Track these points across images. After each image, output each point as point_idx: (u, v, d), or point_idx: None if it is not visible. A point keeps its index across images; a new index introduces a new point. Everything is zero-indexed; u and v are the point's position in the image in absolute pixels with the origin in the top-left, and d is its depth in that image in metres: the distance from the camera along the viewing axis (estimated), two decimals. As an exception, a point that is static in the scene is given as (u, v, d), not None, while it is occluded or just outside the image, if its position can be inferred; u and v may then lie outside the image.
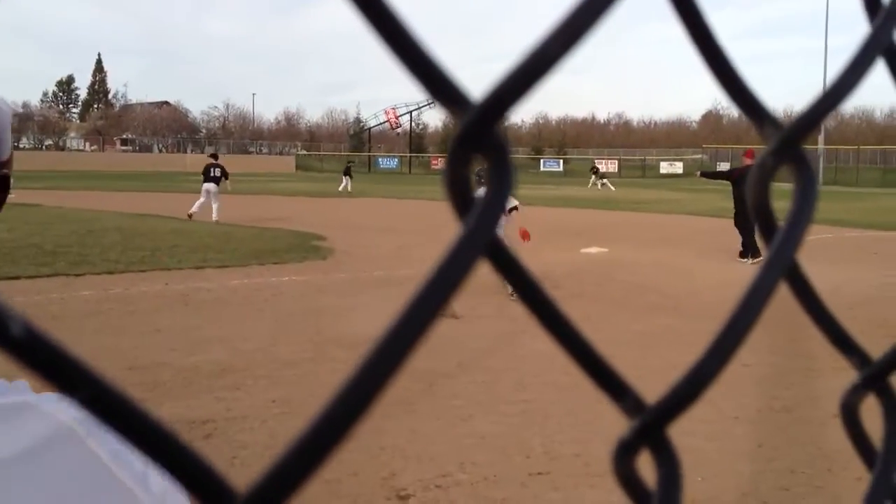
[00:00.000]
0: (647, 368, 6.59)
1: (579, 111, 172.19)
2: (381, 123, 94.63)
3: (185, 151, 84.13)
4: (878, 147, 77.80)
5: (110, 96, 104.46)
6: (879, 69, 0.33)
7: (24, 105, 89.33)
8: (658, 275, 12.64)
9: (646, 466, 0.28)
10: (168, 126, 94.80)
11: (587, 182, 55.38)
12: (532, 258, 12.83)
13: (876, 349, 0.39)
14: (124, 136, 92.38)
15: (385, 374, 0.19)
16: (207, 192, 20.91)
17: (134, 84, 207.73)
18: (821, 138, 60.36)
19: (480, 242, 0.20)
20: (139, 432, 0.18)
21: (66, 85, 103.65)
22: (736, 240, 14.62)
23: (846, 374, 0.33)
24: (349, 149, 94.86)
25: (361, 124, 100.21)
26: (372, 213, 25.12)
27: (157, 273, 11.90)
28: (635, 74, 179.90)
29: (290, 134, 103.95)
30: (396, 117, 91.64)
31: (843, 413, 0.34)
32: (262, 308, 9.52)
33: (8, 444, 0.69)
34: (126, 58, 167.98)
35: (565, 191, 43.27)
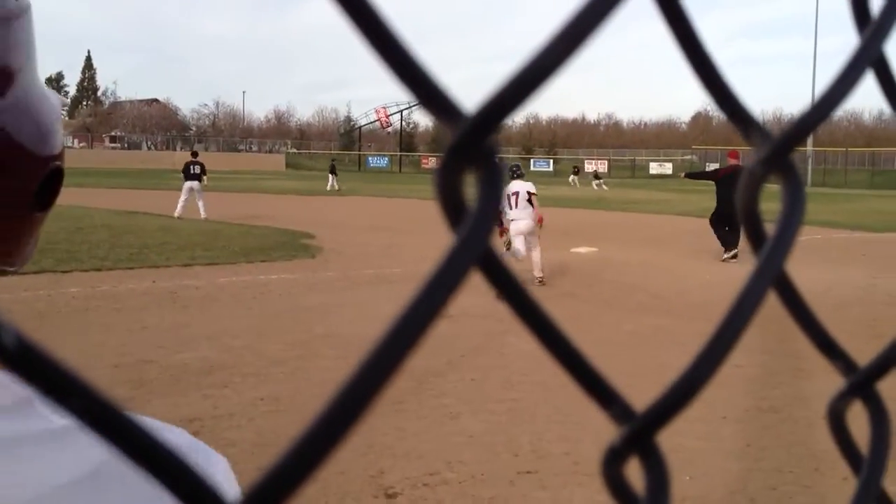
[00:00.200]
0: (637, 369, 6.61)
1: (570, 112, 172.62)
2: (371, 122, 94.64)
3: (175, 149, 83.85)
4: (867, 149, 78.28)
5: (100, 93, 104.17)
6: (869, 73, 0.33)
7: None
8: (647, 275, 12.67)
9: (635, 468, 0.28)
10: (157, 123, 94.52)
11: (575, 182, 55.49)
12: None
13: (864, 350, 0.40)
14: (113, 134, 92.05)
15: (377, 383, 0.19)
16: (190, 189, 20.89)
17: (124, 81, 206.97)
18: (810, 140, 60.51)
19: (473, 253, 0.20)
20: (131, 443, 0.18)
21: (56, 82, 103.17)
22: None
23: (834, 376, 0.33)
24: (339, 147, 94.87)
25: (352, 123, 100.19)
26: (362, 212, 25.10)
27: (145, 270, 11.86)
28: (626, 75, 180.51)
29: (280, 132, 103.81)
30: (387, 116, 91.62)
31: (829, 419, 0.34)
32: (251, 306, 9.50)
33: (69, 468, 0.67)
34: (116, 55, 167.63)
35: (555, 190, 43.29)
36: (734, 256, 14.33)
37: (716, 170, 17.69)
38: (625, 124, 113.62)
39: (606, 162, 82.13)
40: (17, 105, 0.72)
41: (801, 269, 11.65)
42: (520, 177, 12.39)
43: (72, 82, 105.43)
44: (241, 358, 7.05)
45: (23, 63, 0.72)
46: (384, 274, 11.98)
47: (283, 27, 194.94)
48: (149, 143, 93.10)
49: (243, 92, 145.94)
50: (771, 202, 0.28)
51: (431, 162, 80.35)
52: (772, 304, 0.30)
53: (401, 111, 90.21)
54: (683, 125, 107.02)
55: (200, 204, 20.45)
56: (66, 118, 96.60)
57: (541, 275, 11.73)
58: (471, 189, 0.21)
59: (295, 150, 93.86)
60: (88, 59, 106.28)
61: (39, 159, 0.76)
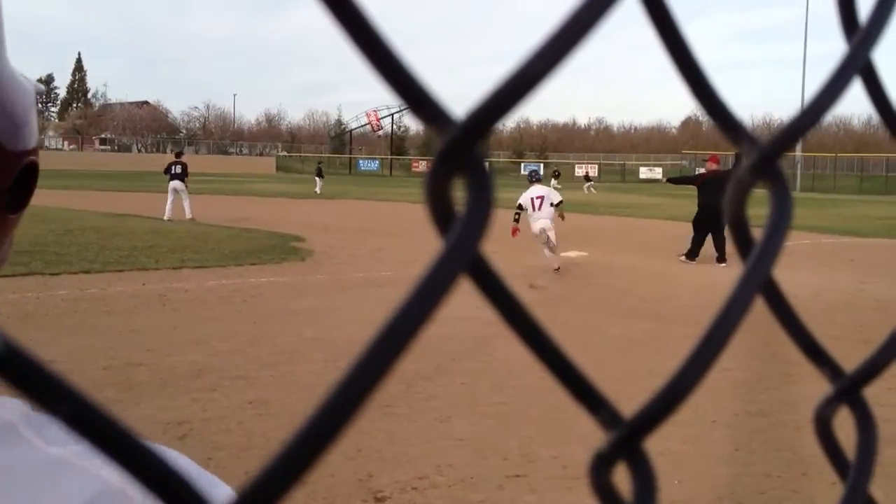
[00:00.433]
0: (626, 373, 6.62)
1: (560, 116, 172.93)
2: (362, 125, 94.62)
3: (165, 151, 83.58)
4: (856, 155, 78.74)
5: (90, 95, 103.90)
6: (857, 79, 0.33)
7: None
8: (637, 279, 12.71)
9: (623, 472, 0.29)
10: (148, 126, 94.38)
11: (561, 186, 55.55)
12: (512, 261, 12.86)
13: (852, 355, 0.40)
14: (103, 136, 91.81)
15: (366, 387, 0.19)
16: (175, 190, 20.92)
17: (114, 83, 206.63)
18: (799, 146, 60.89)
19: (461, 259, 0.20)
20: (121, 450, 0.18)
21: (46, 84, 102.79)
22: (710, 244, 14.85)
23: (822, 380, 0.33)
24: (330, 150, 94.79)
25: (343, 126, 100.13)
26: (352, 215, 25.08)
27: (135, 273, 11.81)
28: (616, 80, 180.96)
29: (270, 135, 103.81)
30: (378, 119, 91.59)
31: (816, 425, 0.34)
32: (240, 309, 9.48)
33: (61, 502, 0.60)
34: (107, 57, 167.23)
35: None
36: (689, 258, 15.02)
37: (697, 175, 17.87)
38: (615, 129, 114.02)
39: (597, 166, 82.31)
40: None
41: (789, 273, 11.70)
42: (538, 181, 13.37)
43: (62, 84, 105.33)
44: (229, 361, 7.03)
45: None
46: (374, 277, 11.97)
47: (275, 30, 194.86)
48: (139, 145, 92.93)
49: (234, 95, 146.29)
50: (758, 208, 0.28)
51: (422, 165, 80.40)
52: (760, 308, 0.30)
53: (392, 114, 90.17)
54: (674, 130, 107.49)
55: (186, 204, 20.53)
56: (56, 120, 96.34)
57: (558, 265, 12.96)
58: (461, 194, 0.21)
59: (285, 153, 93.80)
60: (79, 61, 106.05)
61: (11, 155, 0.68)
